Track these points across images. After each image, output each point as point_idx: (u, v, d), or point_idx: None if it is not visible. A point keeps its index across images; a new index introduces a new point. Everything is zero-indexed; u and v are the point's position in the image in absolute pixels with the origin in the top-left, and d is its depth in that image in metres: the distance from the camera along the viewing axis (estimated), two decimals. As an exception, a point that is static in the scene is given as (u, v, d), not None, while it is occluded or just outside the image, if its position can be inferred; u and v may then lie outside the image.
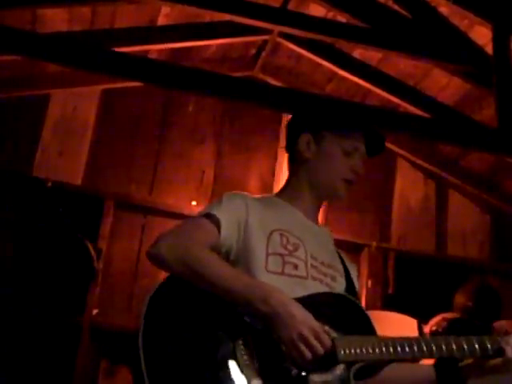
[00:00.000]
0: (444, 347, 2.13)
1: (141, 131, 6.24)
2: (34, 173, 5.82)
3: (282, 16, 4.80)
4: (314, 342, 1.98)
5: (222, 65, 6.24)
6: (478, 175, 6.56)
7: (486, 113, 5.45)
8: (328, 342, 2.00)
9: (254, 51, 6.25)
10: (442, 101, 5.95)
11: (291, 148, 2.64)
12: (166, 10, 5.38)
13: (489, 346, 2.15)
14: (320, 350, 1.98)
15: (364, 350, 2.05)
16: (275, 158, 6.27)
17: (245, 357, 2.01)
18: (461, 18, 4.92)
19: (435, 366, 2.24)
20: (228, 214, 2.33)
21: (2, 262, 5.23)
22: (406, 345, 2.10)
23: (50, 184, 5.57)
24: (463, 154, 6.43)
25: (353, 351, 2.03)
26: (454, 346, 2.14)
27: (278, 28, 5.13)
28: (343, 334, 2.12)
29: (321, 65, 5.95)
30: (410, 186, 6.74)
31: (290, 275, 2.28)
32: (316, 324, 2.01)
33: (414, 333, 4.79)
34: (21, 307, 5.12)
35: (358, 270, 2.72)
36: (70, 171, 5.92)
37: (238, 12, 4.56)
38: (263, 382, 1.98)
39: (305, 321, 2.00)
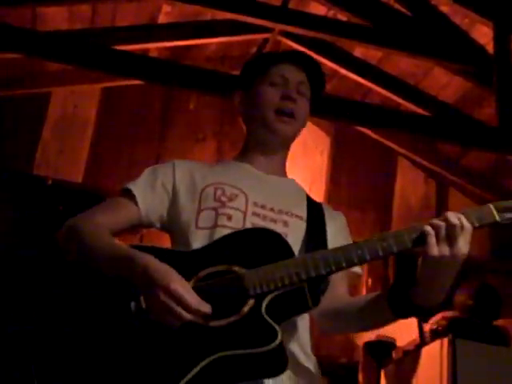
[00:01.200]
0: (379, 249, 1.91)
1: (141, 129, 6.24)
2: (35, 171, 5.82)
3: (282, 14, 4.81)
4: (174, 307, 1.84)
5: (222, 63, 6.24)
6: (479, 174, 6.56)
7: (487, 111, 5.45)
8: (191, 300, 1.84)
9: (254, 49, 6.25)
10: (443, 99, 5.95)
11: None
12: (166, 8, 5.39)
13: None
14: (182, 312, 1.84)
15: (276, 275, 1.91)
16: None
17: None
18: (462, 17, 4.93)
19: (386, 293, 2.03)
20: (147, 186, 2.24)
21: (2, 260, 5.23)
22: (328, 256, 1.94)
23: (50, 182, 5.57)
24: (464, 153, 6.44)
25: (262, 278, 1.91)
26: (392, 242, 1.92)
27: (278, 26, 5.15)
28: (255, 267, 1.96)
29: (321, 63, 5.93)
30: (410, 185, 6.75)
31: (223, 226, 2.14)
32: (174, 284, 1.84)
33: (415, 332, 4.80)
34: (22, 306, 5.12)
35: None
36: (71, 169, 5.92)
37: (239, 10, 4.58)
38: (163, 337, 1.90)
39: (161, 284, 1.84)
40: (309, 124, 6.17)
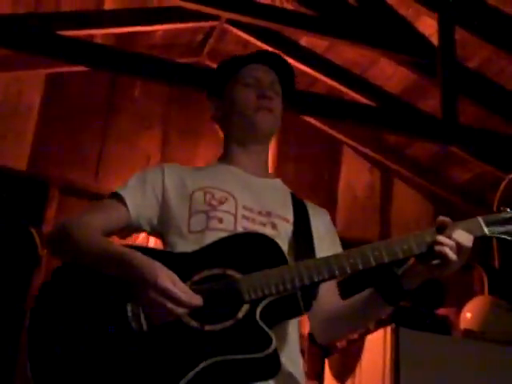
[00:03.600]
0: (372, 257, 1.99)
1: (86, 116, 6.18)
2: (-23, 157, 5.74)
3: (229, 2, 4.79)
4: (164, 301, 1.85)
5: (168, 50, 6.21)
6: (423, 165, 6.63)
7: (431, 103, 5.50)
8: (182, 295, 1.86)
9: (201, 37, 6.23)
10: (388, 90, 5.99)
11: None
12: (112, -7, 5.34)
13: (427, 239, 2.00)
14: (175, 308, 1.86)
15: (270, 284, 1.95)
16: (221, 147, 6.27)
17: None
18: (407, 8, 4.96)
19: (374, 286, 2.12)
20: (137, 190, 2.25)
21: None
22: (322, 264, 1.99)
23: (-7, 168, 5.51)
24: (408, 144, 6.50)
25: (257, 287, 1.94)
26: (384, 253, 1.99)
27: (225, 14, 5.13)
28: (250, 273, 1.99)
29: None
30: (355, 174, 6.79)
31: (215, 229, 2.16)
32: (163, 279, 1.86)
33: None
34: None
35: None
36: (14, 156, 5.84)
37: (185, -2, 4.56)
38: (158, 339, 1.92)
39: (151, 281, 1.86)
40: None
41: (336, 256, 2.03)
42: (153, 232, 2.30)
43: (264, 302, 1.96)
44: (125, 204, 2.21)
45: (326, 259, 2.01)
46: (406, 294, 2.09)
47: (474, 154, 5.85)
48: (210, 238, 2.14)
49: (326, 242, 2.34)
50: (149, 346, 1.91)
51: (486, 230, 2.02)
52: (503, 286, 5.47)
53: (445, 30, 4.79)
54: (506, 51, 4.76)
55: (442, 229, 2.01)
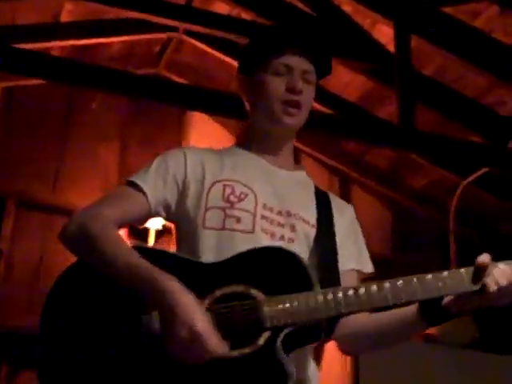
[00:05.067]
0: (403, 293, 1.91)
1: (44, 129, 6.14)
2: None
3: (186, 13, 4.81)
4: (196, 350, 1.77)
5: (126, 62, 6.20)
6: (380, 171, 6.68)
7: (388, 110, 5.55)
8: (213, 346, 1.77)
9: (158, 48, 6.22)
10: (346, 98, 6.02)
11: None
12: (69, 6, 5.31)
13: (465, 280, 1.92)
14: (201, 357, 1.77)
15: (295, 314, 1.85)
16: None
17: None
18: (364, 17, 5.00)
19: (419, 304, 2.01)
20: (158, 178, 2.16)
21: None
22: (351, 294, 1.89)
23: None
24: (366, 151, 6.54)
25: (280, 312, 1.85)
26: (419, 290, 1.91)
27: (183, 25, 5.14)
28: (274, 295, 1.89)
29: (225, 62, 5.95)
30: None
31: (231, 230, 2.07)
32: (200, 324, 1.77)
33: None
34: None
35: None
36: (-29, 170, 5.79)
37: (143, 9, 4.55)
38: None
39: (186, 321, 1.77)
40: (213, 124, 6.09)
41: (367, 287, 1.93)
42: (169, 218, 2.20)
43: (286, 331, 1.87)
44: (145, 194, 2.12)
45: (356, 289, 1.92)
46: (451, 317, 2.02)
47: (432, 159, 5.91)
48: (227, 239, 2.07)
49: (350, 242, 2.25)
50: (158, 367, 1.85)
51: None
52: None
53: (401, 38, 4.83)
54: (461, 58, 4.82)
55: (480, 269, 1.93)
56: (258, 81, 2.27)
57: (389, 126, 5.23)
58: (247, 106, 2.34)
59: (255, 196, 2.15)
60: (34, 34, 5.38)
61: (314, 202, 2.26)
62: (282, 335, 1.86)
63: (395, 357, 4.53)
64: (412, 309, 2.03)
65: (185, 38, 5.89)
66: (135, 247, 1.98)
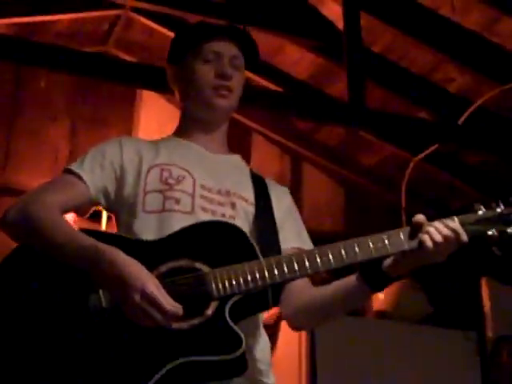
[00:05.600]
0: (344, 254, 1.97)
1: (-9, 108, 6.06)
2: None
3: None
4: (151, 311, 1.82)
5: (74, 40, 6.12)
6: (332, 149, 6.68)
7: (338, 87, 5.55)
8: (167, 305, 1.82)
9: (106, 26, 6.15)
10: (295, 76, 6.01)
11: None
12: (13, -18, 5.23)
13: (403, 240, 1.99)
14: (158, 316, 1.81)
15: (240, 280, 1.91)
16: (131, 134, 6.20)
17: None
18: (312, -6, 5.00)
19: (359, 272, 2.08)
20: (95, 165, 2.20)
21: None
22: (294, 261, 1.96)
23: None
24: (317, 129, 6.53)
25: (226, 284, 1.90)
26: (357, 250, 1.97)
27: (129, 2, 5.09)
28: (218, 266, 1.94)
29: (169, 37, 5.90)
30: (265, 161, 6.80)
31: (171, 210, 2.12)
32: (150, 286, 1.82)
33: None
34: None
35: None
36: None
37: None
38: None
39: (137, 286, 1.81)
40: (163, 102, 6.07)
41: (309, 253, 2.00)
42: (109, 207, 2.23)
43: (233, 299, 1.92)
44: (83, 180, 2.15)
45: (299, 256, 1.99)
46: (392, 280, 2.08)
47: (382, 137, 5.93)
48: (167, 219, 2.10)
49: (288, 222, 2.31)
50: (111, 343, 1.86)
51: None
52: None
53: (350, 15, 4.83)
54: (409, 35, 4.84)
55: (416, 227, 2.00)
56: (187, 69, 2.34)
57: (338, 103, 5.24)
58: (177, 95, 2.40)
59: (193, 177, 2.20)
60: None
61: (251, 184, 2.32)
62: (229, 304, 1.91)
63: (350, 334, 4.57)
64: (354, 277, 2.10)
65: (133, 15, 5.83)
66: (80, 230, 2.02)
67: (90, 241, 1.94)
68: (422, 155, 5.63)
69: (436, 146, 5.40)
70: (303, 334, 4.54)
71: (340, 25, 4.92)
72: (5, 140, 5.99)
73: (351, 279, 2.11)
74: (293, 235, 2.30)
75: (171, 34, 5.73)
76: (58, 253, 1.96)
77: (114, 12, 5.84)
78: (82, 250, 1.92)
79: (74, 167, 2.19)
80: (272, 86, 5.92)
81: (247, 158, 6.68)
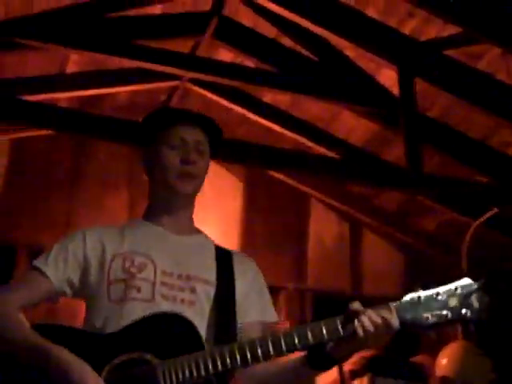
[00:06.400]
0: (284, 343, 2.04)
1: (52, 179, 6.17)
2: None
3: (191, 62, 4.84)
4: None
5: (133, 112, 6.20)
6: (390, 214, 6.66)
7: (395, 152, 5.55)
8: None
9: (164, 97, 6.24)
10: (352, 142, 6.03)
11: None
12: (74, 57, 5.35)
13: (339, 327, 2.06)
14: None
15: (187, 372, 1.99)
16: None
17: None
18: (367, 61, 5.02)
19: (305, 354, 2.16)
20: (58, 259, 2.26)
21: None
22: (237, 352, 2.03)
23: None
24: (375, 194, 6.53)
25: (173, 376, 1.99)
26: (296, 340, 2.04)
27: (187, 74, 5.17)
28: (168, 358, 2.03)
29: (232, 109, 5.98)
30: (324, 227, 6.80)
31: (133, 299, 2.19)
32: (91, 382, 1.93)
33: (334, 373, 4.81)
34: None
35: (276, 310, 2.50)
36: (-20, 222, 5.79)
37: (147, 59, 4.58)
38: None
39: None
40: (221, 170, 6.18)
41: (250, 343, 2.06)
42: (75, 295, 2.31)
43: None
44: (47, 276, 2.23)
45: (240, 346, 2.05)
46: (336, 361, 2.14)
47: (440, 201, 5.89)
48: (128, 308, 2.17)
49: (252, 296, 2.38)
50: None
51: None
52: (478, 331, 5.48)
53: (405, 82, 4.84)
54: (464, 100, 4.82)
55: (351, 315, 2.06)
56: (154, 152, 2.43)
57: (396, 168, 5.24)
58: (145, 176, 2.50)
59: (154, 264, 2.27)
60: (40, 86, 5.42)
61: (214, 261, 2.38)
62: None
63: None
64: (299, 357, 2.17)
65: (190, 86, 5.91)
66: (37, 325, 2.13)
67: (38, 341, 2.03)
68: (482, 219, 5.56)
69: (496, 209, 5.34)
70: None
71: (395, 90, 4.93)
72: (66, 210, 6.08)
73: (295, 359, 2.18)
74: (256, 309, 2.37)
75: (228, 104, 5.82)
76: (11, 350, 2.07)
77: (172, 83, 5.92)
78: (32, 350, 2.01)
79: (38, 263, 2.27)
80: (330, 153, 5.94)
81: (306, 224, 6.74)
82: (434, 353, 4.98)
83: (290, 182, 6.64)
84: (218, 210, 6.12)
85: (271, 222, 6.63)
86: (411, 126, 4.80)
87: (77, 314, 2.37)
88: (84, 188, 6.23)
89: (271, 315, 2.41)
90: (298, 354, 2.19)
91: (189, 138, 2.41)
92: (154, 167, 2.44)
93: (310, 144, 6.08)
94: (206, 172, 2.46)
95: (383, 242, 6.86)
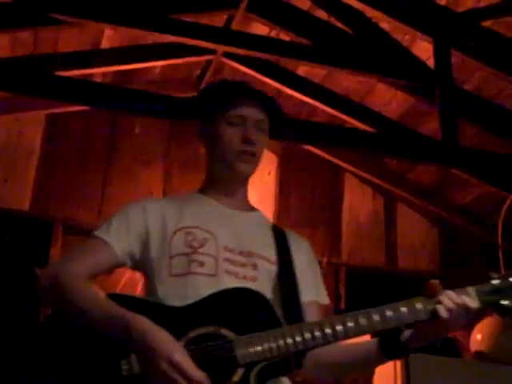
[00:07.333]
0: (364, 322, 2.02)
1: (87, 154, 6.20)
2: (-20, 201, 5.74)
3: (225, 36, 4.82)
4: (178, 378, 1.88)
5: (167, 86, 6.23)
6: (425, 188, 6.63)
7: (430, 126, 5.52)
8: (193, 373, 1.89)
9: (198, 72, 6.25)
10: (387, 115, 6.00)
11: None
12: (109, 32, 5.36)
13: (420, 308, 2.05)
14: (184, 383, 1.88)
15: (266, 348, 1.97)
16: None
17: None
18: (402, 34, 4.98)
19: (379, 340, 2.15)
20: (121, 229, 2.27)
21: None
22: (316, 330, 2.01)
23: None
24: (410, 168, 6.50)
25: (252, 351, 1.97)
26: (377, 318, 2.03)
27: (221, 48, 5.16)
28: (243, 333, 2.01)
29: (266, 83, 5.96)
30: (358, 201, 6.79)
31: (196, 274, 2.19)
32: (177, 355, 1.90)
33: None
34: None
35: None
36: (17, 197, 5.84)
37: (181, 33, 4.57)
38: None
39: (164, 354, 1.89)
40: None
41: (330, 320, 2.04)
42: (136, 268, 2.32)
43: (259, 366, 1.98)
44: (110, 245, 2.23)
45: (320, 324, 2.04)
46: (409, 352, 2.13)
47: (476, 175, 5.84)
48: (192, 282, 2.17)
49: (308, 276, 2.38)
50: None
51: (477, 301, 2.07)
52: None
53: (441, 54, 4.80)
54: (502, 72, 4.77)
55: (431, 295, 2.08)
56: (214, 129, 2.41)
57: (431, 142, 5.20)
58: (204, 150, 2.49)
59: (216, 240, 2.27)
60: (75, 61, 5.45)
61: (273, 240, 2.38)
62: (255, 371, 1.98)
63: (447, 375, 4.48)
64: (370, 342, 2.18)
65: (224, 60, 5.91)
66: (108, 295, 2.11)
67: (118, 310, 2.02)
68: (518, 193, 5.51)
69: (532, 182, 5.29)
70: (398, 375, 4.48)
71: (431, 63, 4.89)
72: (101, 185, 6.11)
73: (369, 345, 2.18)
74: (311, 289, 2.37)
75: (263, 78, 5.80)
76: (88, 321, 2.04)
77: (206, 57, 5.92)
78: (111, 319, 1.99)
79: (100, 233, 2.27)
80: (364, 127, 5.92)
81: (340, 199, 6.73)
82: (468, 327, 4.96)
83: (325, 155, 6.62)
84: (253, 184, 6.12)
85: (305, 196, 6.63)
86: (447, 99, 4.75)
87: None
88: (119, 162, 6.25)
89: (324, 297, 2.43)
90: (364, 340, 2.21)
91: (250, 116, 2.39)
92: (212, 143, 2.43)
93: (344, 117, 6.06)
94: (263, 150, 2.45)
95: (418, 217, 6.83)
